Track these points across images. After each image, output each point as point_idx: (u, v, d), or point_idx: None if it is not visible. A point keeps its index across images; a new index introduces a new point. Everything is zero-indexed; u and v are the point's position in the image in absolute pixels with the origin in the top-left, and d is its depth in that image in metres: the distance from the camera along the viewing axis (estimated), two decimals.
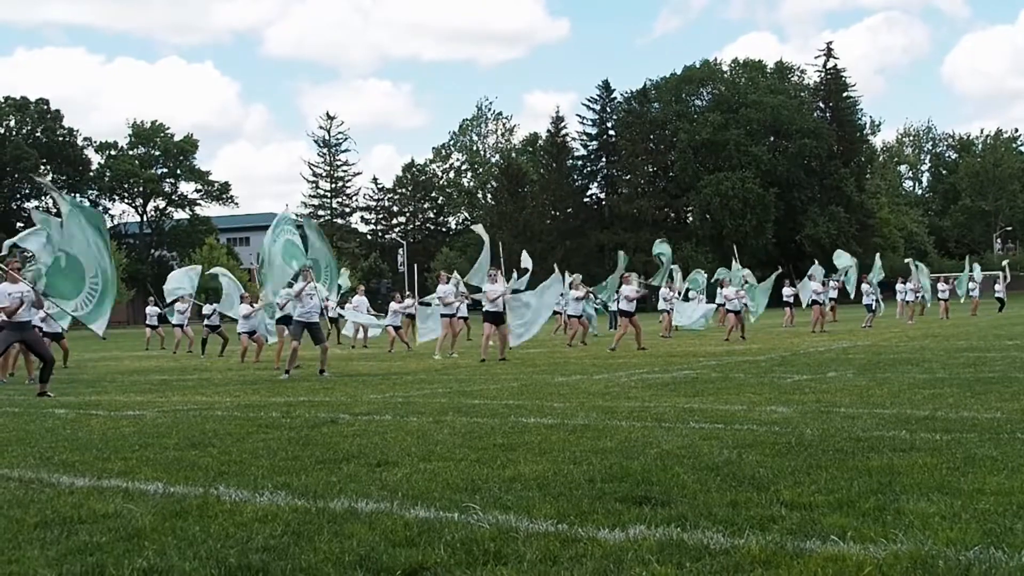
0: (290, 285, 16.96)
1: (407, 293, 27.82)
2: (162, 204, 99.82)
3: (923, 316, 37.15)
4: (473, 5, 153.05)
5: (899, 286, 36.91)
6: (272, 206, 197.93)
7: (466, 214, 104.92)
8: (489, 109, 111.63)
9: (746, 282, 27.95)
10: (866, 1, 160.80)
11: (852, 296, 33.76)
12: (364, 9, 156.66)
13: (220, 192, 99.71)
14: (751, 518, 4.70)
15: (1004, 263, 44.66)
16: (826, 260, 34.56)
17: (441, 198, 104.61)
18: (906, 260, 36.98)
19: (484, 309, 19.11)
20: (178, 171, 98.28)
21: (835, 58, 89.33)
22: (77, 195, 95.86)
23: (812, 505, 4.93)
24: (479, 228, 21.90)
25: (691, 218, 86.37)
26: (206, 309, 26.19)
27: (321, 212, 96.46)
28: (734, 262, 29.09)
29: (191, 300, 26.79)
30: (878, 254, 36.57)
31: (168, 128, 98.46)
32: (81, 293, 13.48)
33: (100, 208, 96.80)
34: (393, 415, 9.56)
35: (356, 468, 6.44)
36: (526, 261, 22.65)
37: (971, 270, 39.34)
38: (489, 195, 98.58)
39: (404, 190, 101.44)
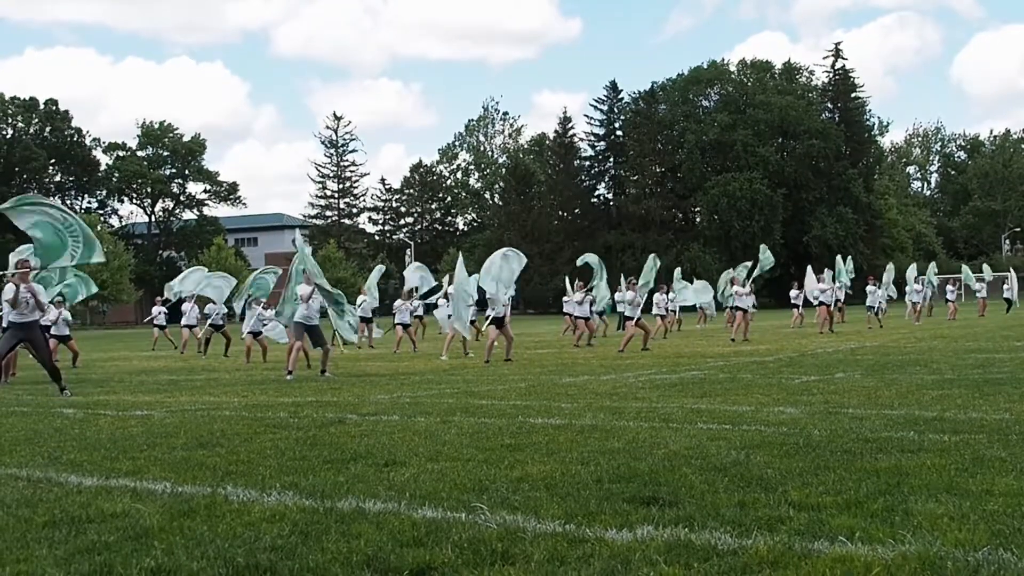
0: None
1: (413, 294, 27.83)
2: (170, 205, 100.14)
3: (931, 317, 37.11)
4: (485, 4, 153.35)
5: (907, 287, 36.82)
6: (281, 206, 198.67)
7: (473, 215, 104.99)
8: (496, 109, 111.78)
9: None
10: (879, 0, 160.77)
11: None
12: (374, 9, 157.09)
13: (228, 192, 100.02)
14: (759, 519, 4.69)
15: None
16: (834, 263, 34.38)
17: (448, 198, 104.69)
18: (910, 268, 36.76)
19: (487, 313, 19.26)
20: (186, 172, 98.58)
21: (843, 59, 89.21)
22: (86, 195, 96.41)
23: (820, 506, 4.92)
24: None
25: (699, 219, 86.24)
26: (208, 308, 26.24)
27: (328, 212, 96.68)
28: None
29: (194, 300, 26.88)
30: (890, 264, 36.49)
31: (177, 128, 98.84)
32: (68, 247, 13.37)
33: (108, 209, 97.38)
34: (400, 415, 9.57)
35: (363, 468, 6.44)
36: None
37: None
38: (496, 195, 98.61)
39: (411, 190, 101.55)
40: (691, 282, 32.39)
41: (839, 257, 31.76)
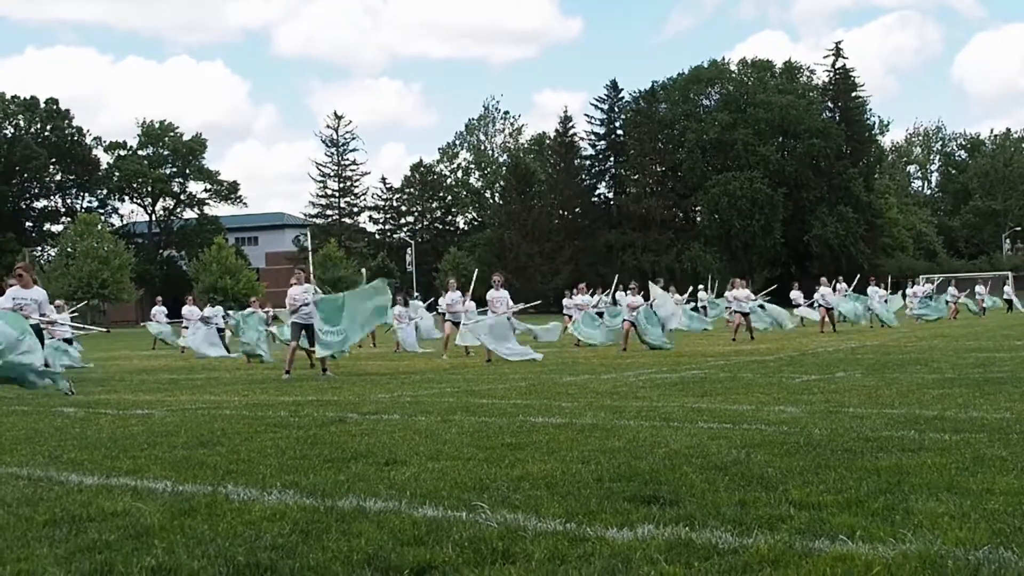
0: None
1: (415, 294, 27.86)
2: (171, 204, 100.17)
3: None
4: (486, 4, 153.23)
5: (908, 289, 36.98)
6: (281, 206, 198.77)
7: (474, 214, 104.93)
8: (496, 108, 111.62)
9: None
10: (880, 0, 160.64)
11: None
12: (374, 8, 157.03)
13: (229, 192, 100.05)
14: (760, 518, 4.69)
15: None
16: (834, 262, 34.44)
17: (449, 197, 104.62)
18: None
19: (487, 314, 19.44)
20: (187, 171, 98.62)
21: (844, 58, 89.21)
22: (86, 195, 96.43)
23: (821, 505, 4.92)
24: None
25: (699, 218, 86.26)
26: (207, 311, 26.33)
27: (329, 212, 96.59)
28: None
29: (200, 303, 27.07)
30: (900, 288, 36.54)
31: (177, 128, 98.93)
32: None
33: (109, 208, 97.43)
34: (401, 414, 9.56)
35: (364, 467, 6.44)
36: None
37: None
38: (497, 195, 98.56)
39: (412, 190, 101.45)
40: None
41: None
